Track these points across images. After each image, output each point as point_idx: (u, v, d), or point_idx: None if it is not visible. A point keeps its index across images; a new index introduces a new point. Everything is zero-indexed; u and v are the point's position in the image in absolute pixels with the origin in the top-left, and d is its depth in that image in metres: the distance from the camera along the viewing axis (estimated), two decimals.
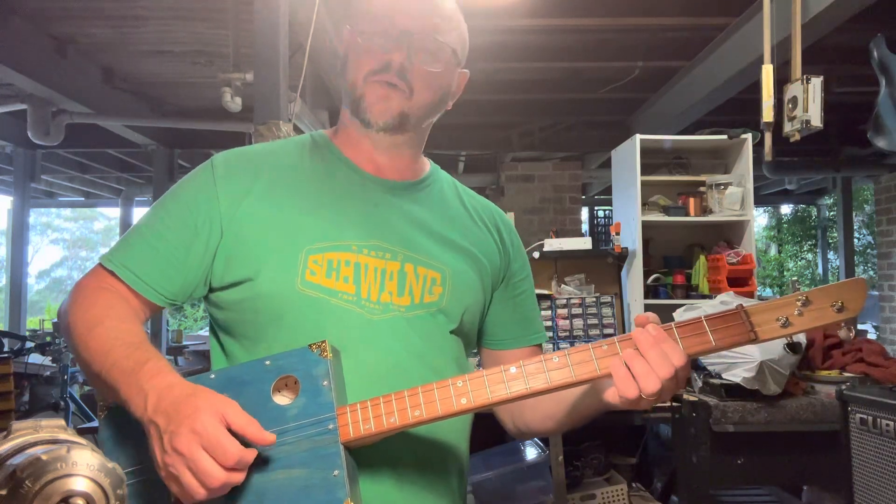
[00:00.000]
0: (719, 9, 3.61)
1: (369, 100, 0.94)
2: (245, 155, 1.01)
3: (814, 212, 10.76)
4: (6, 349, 4.51)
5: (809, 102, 2.46)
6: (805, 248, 11.20)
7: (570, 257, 3.56)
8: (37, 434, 0.65)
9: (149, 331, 5.79)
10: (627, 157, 3.82)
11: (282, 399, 0.80)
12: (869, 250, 9.84)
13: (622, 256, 3.61)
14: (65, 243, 19.09)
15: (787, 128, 2.56)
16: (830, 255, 10.44)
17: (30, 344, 4.64)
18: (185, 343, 6.57)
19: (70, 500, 0.59)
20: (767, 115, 2.55)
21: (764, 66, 2.61)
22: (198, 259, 0.92)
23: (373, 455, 0.85)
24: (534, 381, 0.79)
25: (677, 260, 3.88)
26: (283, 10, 2.62)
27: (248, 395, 0.79)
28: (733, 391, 2.36)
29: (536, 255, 3.39)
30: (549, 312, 3.18)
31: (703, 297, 3.51)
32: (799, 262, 11.52)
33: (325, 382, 0.79)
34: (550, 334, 3.14)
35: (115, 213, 11.82)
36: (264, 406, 0.79)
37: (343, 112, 1.03)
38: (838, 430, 2.01)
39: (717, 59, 3.96)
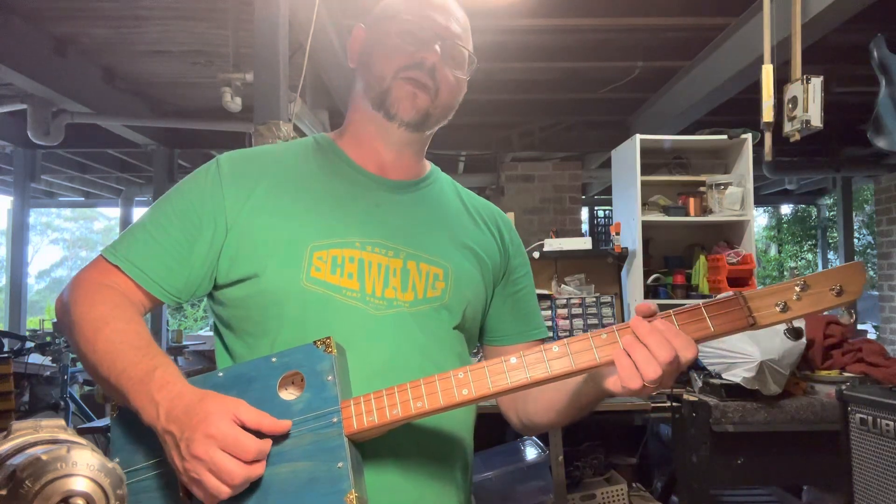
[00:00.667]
0: (719, 9, 3.61)
1: (396, 94, 0.96)
2: (250, 155, 1.03)
3: (814, 212, 10.75)
4: (6, 349, 4.51)
5: (809, 102, 2.46)
6: (805, 248, 11.20)
7: (570, 257, 3.56)
8: (37, 434, 0.65)
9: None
10: (627, 157, 3.82)
11: (287, 395, 0.81)
12: (869, 250, 9.84)
13: (622, 256, 3.61)
14: (65, 243, 19.09)
15: (787, 128, 2.56)
16: (830, 255, 10.44)
17: (30, 344, 4.64)
18: (185, 343, 6.56)
19: (70, 500, 0.59)
20: (767, 115, 2.55)
21: (764, 66, 2.61)
22: (202, 256, 0.93)
23: (378, 447, 0.86)
24: (534, 371, 0.79)
25: (677, 260, 3.88)
26: (283, 10, 2.62)
27: (255, 392, 0.81)
28: (733, 391, 2.36)
29: (536, 255, 3.39)
30: (549, 312, 3.18)
31: (703, 297, 3.51)
32: (799, 262, 11.51)
33: (330, 377, 0.80)
34: (550, 334, 3.14)
35: (115, 213, 11.83)
36: (271, 402, 0.80)
37: (356, 109, 1.04)
38: (838, 430, 2.02)
39: (717, 59, 3.96)
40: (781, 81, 2.60)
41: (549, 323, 3.16)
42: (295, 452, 0.78)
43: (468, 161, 6.41)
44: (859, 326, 7.50)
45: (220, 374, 0.84)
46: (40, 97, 4.23)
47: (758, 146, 3.46)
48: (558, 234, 4.04)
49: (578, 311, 3.20)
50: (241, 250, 0.93)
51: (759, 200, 8.97)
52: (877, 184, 6.81)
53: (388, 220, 0.98)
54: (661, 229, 3.84)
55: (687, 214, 3.72)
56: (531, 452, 2.81)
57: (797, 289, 0.76)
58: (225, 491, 0.73)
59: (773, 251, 11.93)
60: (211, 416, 0.74)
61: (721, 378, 2.43)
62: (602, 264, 3.58)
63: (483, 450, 2.78)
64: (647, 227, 3.70)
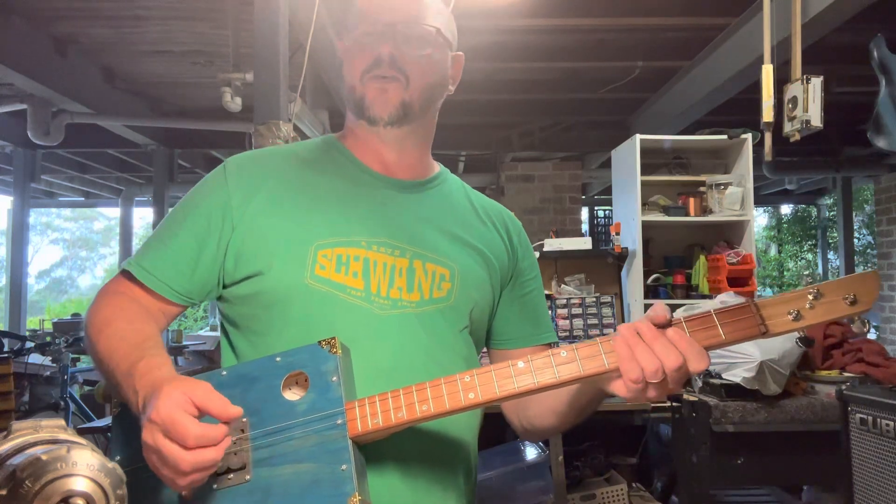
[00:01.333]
0: (719, 9, 3.61)
1: (368, 98, 0.96)
2: (257, 156, 1.04)
3: (814, 212, 10.75)
4: (6, 349, 4.51)
5: (809, 102, 2.46)
6: (805, 248, 11.19)
7: (570, 257, 3.56)
8: (37, 434, 0.65)
9: None
10: (627, 157, 3.82)
11: (291, 395, 0.81)
12: (869, 250, 9.83)
13: (622, 256, 3.61)
14: (65, 243, 19.09)
15: (787, 128, 2.56)
16: (830, 255, 10.44)
17: (30, 344, 4.64)
18: (185, 343, 6.56)
19: (70, 500, 0.59)
20: (767, 115, 2.55)
21: (764, 66, 2.61)
22: (210, 256, 0.94)
23: (381, 450, 0.86)
24: (542, 376, 0.78)
25: (677, 260, 3.88)
26: (283, 10, 2.62)
27: (259, 392, 0.80)
28: (733, 391, 2.36)
29: (536, 255, 3.39)
30: (549, 312, 3.18)
31: (703, 297, 3.51)
32: (799, 262, 11.50)
33: (335, 378, 0.80)
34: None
35: (115, 213, 11.82)
36: (274, 402, 0.80)
37: (348, 116, 1.05)
38: (838, 430, 2.02)
39: (717, 59, 3.96)
40: (781, 81, 2.60)
41: None
42: (298, 453, 0.77)
43: (468, 161, 6.41)
44: None
45: (224, 373, 0.83)
46: (40, 97, 4.23)
47: (758, 146, 3.46)
48: (558, 234, 4.04)
49: (578, 311, 3.20)
50: (247, 249, 0.93)
51: (759, 200, 8.97)
52: (877, 184, 6.80)
53: (393, 219, 0.98)
54: (661, 229, 3.84)
55: (687, 214, 3.72)
56: (531, 452, 2.81)
57: (810, 297, 0.75)
58: (179, 481, 0.70)
59: (773, 251, 11.93)
60: (159, 399, 0.70)
61: (721, 378, 2.43)
62: (602, 264, 3.58)
63: (483, 450, 2.76)
64: (647, 227, 3.70)
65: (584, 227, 8.74)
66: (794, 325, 0.75)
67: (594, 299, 3.23)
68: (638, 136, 3.68)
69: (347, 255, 0.93)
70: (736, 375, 2.33)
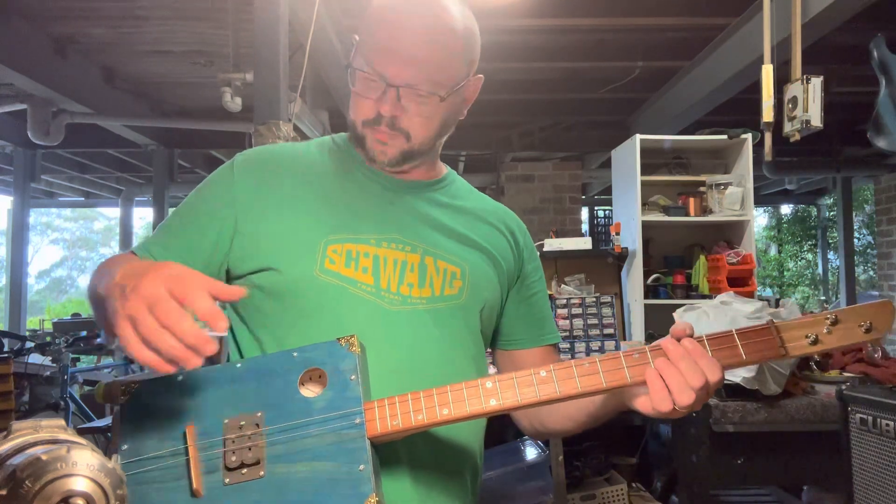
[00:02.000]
0: (719, 9, 3.61)
1: (369, 143, 0.96)
2: (266, 152, 1.05)
3: (814, 212, 10.75)
4: (6, 349, 4.51)
5: (809, 102, 2.46)
6: (805, 248, 11.19)
7: (570, 257, 3.56)
8: (37, 434, 0.65)
9: None
10: (627, 157, 3.82)
11: (308, 391, 0.80)
12: (869, 250, 9.84)
13: (622, 256, 3.61)
14: (65, 243, 19.09)
15: (787, 128, 2.56)
16: (830, 255, 10.44)
17: (30, 344, 4.64)
18: None
19: (70, 500, 0.59)
20: (767, 115, 2.55)
21: (764, 66, 2.61)
22: (211, 245, 0.95)
23: (389, 450, 0.86)
24: (564, 386, 0.78)
25: (677, 260, 3.88)
26: (283, 10, 2.62)
27: (275, 387, 0.80)
28: (733, 391, 2.36)
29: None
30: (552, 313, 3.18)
31: (703, 296, 3.51)
32: (799, 262, 11.51)
33: (353, 377, 0.79)
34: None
35: (115, 213, 11.82)
36: (291, 398, 0.79)
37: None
38: (838, 430, 2.02)
39: (717, 59, 3.97)
40: (781, 81, 2.60)
41: None
42: (314, 451, 0.77)
43: (468, 161, 6.41)
44: None
45: (239, 365, 0.82)
46: (40, 97, 4.23)
47: (758, 146, 3.46)
48: (558, 234, 4.04)
49: (578, 311, 3.19)
50: (254, 243, 0.94)
51: (759, 200, 8.97)
52: (877, 184, 6.81)
53: (403, 217, 0.99)
54: (661, 229, 3.84)
55: (687, 214, 3.72)
56: (531, 452, 2.81)
57: (828, 322, 0.77)
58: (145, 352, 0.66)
59: (773, 251, 11.93)
60: (157, 268, 0.69)
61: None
62: (602, 264, 3.58)
63: (483, 450, 2.78)
64: (647, 227, 3.70)
65: (584, 227, 8.75)
66: (810, 349, 0.77)
67: (594, 299, 3.22)
68: (638, 136, 3.68)
69: (357, 251, 0.93)
70: (736, 375, 2.33)
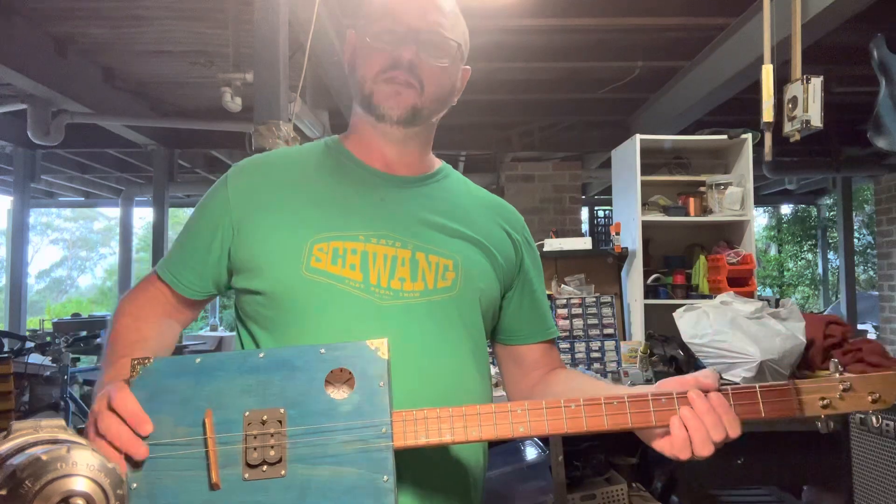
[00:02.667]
0: (719, 9, 3.61)
1: (380, 96, 0.97)
2: (258, 159, 1.07)
3: (814, 212, 10.75)
4: (6, 349, 4.51)
5: (809, 102, 2.46)
6: (805, 248, 11.19)
7: (570, 257, 3.56)
8: (37, 434, 0.65)
9: None
10: (627, 157, 3.82)
11: (336, 393, 0.79)
12: (869, 250, 9.84)
13: (622, 256, 3.61)
14: (65, 243, 19.08)
15: (787, 128, 2.56)
16: (830, 255, 10.44)
17: (30, 344, 4.64)
18: (184, 343, 6.56)
19: (70, 500, 0.59)
20: (767, 115, 2.55)
21: (764, 66, 2.61)
22: (216, 256, 1.00)
23: (398, 461, 0.87)
24: (592, 423, 0.80)
25: (677, 260, 3.88)
26: (283, 10, 2.61)
27: (300, 383, 0.78)
28: None
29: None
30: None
31: (704, 297, 3.51)
32: (799, 262, 11.51)
33: (381, 383, 0.78)
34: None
35: (115, 213, 11.82)
36: (317, 397, 0.78)
37: (354, 111, 1.06)
38: (838, 430, 2.02)
39: (717, 59, 3.96)
40: (781, 81, 2.60)
41: None
42: (338, 457, 0.76)
43: (468, 161, 6.41)
44: (859, 326, 7.50)
45: (261, 355, 0.80)
46: (40, 97, 4.23)
47: (758, 146, 3.46)
48: (558, 234, 4.04)
49: (578, 311, 3.19)
50: (247, 248, 0.97)
51: (759, 200, 8.97)
52: (877, 184, 6.81)
53: (394, 213, 0.99)
54: (661, 229, 3.84)
55: (687, 214, 3.72)
56: (531, 452, 2.81)
57: (841, 388, 0.83)
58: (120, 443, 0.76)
59: (773, 251, 11.93)
60: (114, 391, 0.78)
61: (721, 378, 2.43)
62: (602, 264, 3.58)
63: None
64: (647, 227, 3.70)
65: (584, 227, 8.74)
66: (822, 412, 0.83)
67: (594, 299, 3.22)
68: (638, 136, 3.68)
69: (344, 249, 0.94)
70: (736, 375, 2.33)
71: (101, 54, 4.28)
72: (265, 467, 0.75)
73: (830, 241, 10.17)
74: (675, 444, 0.80)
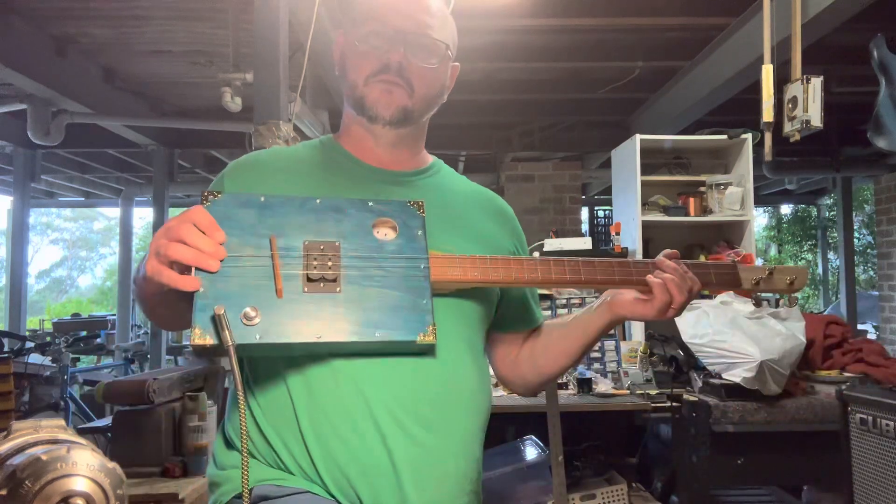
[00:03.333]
0: (719, 9, 3.61)
1: (371, 99, 0.99)
2: (254, 156, 1.08)
3: (814, 212, 10.74)
4: (6, 349, 4.51)
5: (809, 102, 2.46)
6: (805, 248, 11.19)
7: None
8: (37, 434, 0.65)
9: (149, 331, 5.65)
10: (627, 157, 3.82)
11: (381, 235, 0.91)
12: (869, 250, 9.84)
13: (622, 256, 3.61)
14: (65, 243, 19.07)
15: (787, 128, 2.56)
16: (830, 255, 10.43)
17: (30, 344, 4.64)
18: (184, 343, 6.56)
19: (70, 500, 0.59)
20: (767, 115, 2.55)
21: (764, 66, 2.61)
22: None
23: (392, 458, 0.88)
24: (587, 275, 1.00)
25: None
26: (283, 10, 2.61)
27: (351, 224, 0.90)
28: (733, 391, 2.36)
29: (537, 255, 3.39)
30: (549, 312, 3.18)
31: (704, 296, 3.50)
32: (799, 262, 11.50)
33: (420, 232, 0.92)
34: None
35: (115, 213, 11.82)
36: (365, 236, 0.90)
37: (346, 112, 1.08)
38: (838, 430, 2.02)
39: (717, 59, 3.96)
40: (781, 81, 2.60)
41: None
42: (385, 281, 0.88)
43: (468, 161, 6.41)
44: (859, 326, 7.50)
45: (318, 200, 0.91)
46: (40, 97, 4.22)
47: (758, 146, 3.46)
48: (558, 234, 4.04)
49: (578, 311, 3.19)
50: None
51: (759, 200, 8.96)
52: (877, 184, 6.80)
53: None
54: (661, 229, 3.84)
55: (687, 214, 3.72)
56: (531, 452, 2.81)
57: (766, 273, 1.09)
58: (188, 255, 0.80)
59: (773, 251, 11.93)
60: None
61: (721, 378, 2.43)
62: None
63: (483, 450, 2.77)
64: (647, 227, 3.70)
65: (584, 227, 8.74)
66: (754, 288, 1.08)
67: (594, 299, 3.22)
68: (638, 136, 3.68)
69: None
70: (736, 375, 2.33)
71: (101, 54, 4.27)
72: (322, 283, 0.85)
73: (830, 241, 10.17)
74: (656, 296, 0.97)
